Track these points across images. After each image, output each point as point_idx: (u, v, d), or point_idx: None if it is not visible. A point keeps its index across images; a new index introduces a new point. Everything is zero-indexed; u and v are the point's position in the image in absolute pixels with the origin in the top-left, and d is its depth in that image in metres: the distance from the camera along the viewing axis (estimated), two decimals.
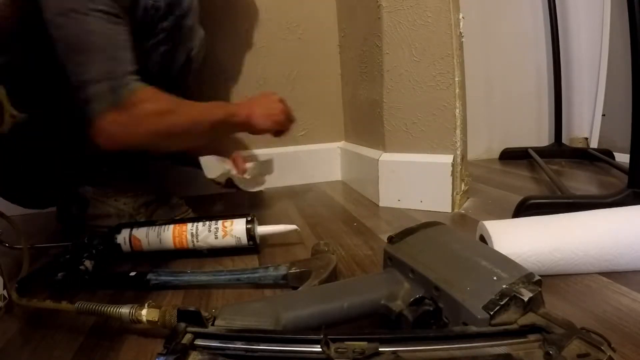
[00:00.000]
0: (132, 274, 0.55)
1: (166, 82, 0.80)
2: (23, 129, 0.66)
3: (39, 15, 0.63)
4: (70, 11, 0.61)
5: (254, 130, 0.82)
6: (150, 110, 0.67)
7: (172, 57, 0.80)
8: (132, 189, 0.80)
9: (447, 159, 0.81)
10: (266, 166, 1.00)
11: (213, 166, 0.82)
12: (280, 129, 0.87)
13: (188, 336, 0.31)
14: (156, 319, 0.39)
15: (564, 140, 1.39)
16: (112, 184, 0.79)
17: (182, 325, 0.32)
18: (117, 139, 0.66)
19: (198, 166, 0.85)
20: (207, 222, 0.64)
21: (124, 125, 0.65)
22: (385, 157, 0.90)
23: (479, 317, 0.30)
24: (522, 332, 0.29)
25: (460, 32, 0.80)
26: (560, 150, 1.35)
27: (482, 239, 0.54)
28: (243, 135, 1.15)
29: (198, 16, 0.81)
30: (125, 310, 0.40)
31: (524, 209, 0.69)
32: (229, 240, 0.63)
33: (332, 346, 0.28)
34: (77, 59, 0.63)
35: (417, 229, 0.43)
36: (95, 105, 0.64)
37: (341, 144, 1.25)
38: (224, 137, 0.87)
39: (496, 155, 1.44)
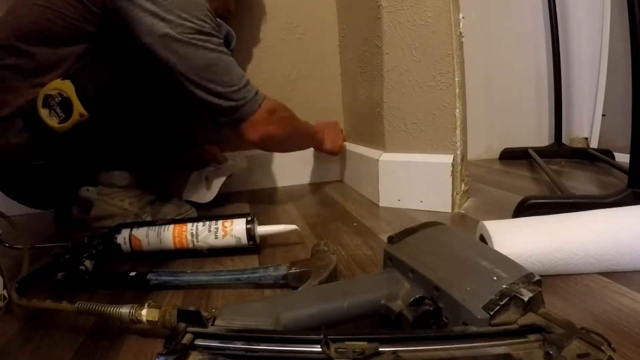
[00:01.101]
0: (132, 274, 0.55)
1: None
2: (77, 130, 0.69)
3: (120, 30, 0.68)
4: (198, 40, 0.69)
5: (321, 149, 1.07)
6: (286, 115, 0.84)
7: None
8: (136, 188, 0.80)
9: (447, 159, 0.81)
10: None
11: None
12: (338, 152, 1.12)
13: (188, 336, 0.31)
14: (156, 319, 0.39)
15: (564, 140, 1.39)
16: (115, 184, 0.79)
17: (182, 325, 0.32)
18: (264, 133, 0.78)
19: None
20: (207, 222, 0.64)
21: (270, 122, 0.78)
22: (385, 157, 0.90)
23: (479, 317, 0.30)
24: (522, 332, 0.29)
25: (460, 32, 0.80)
26: (560, 150, 1.35)
27: (482, 239, 0.54)
28: None
29: None
30: (125, 310, 0.40)
31: (524, 209, 0.69)
32: (229, 240, 0.63)
33: (332, 346, 0.28)
34: (214, 76, 0.71)
35: (417, 229, 0.43)
36: (248, 105, 0.75)
37: None
38: (302, 149, 1.05)
39: (496, 155, 1.44)
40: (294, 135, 0.90)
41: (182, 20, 0.67)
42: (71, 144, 0.72)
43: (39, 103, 0.68)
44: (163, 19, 0.66)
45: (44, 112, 0.69)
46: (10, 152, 0.72)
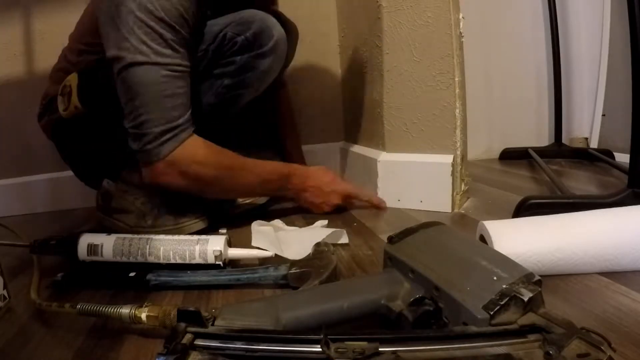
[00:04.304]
0: (132, 274, 0.55)
1: (220, 117, 0.81)
2: (79, 121, 0.74)
3: None
4: (129, 64, 0.65)
5: (299, 203, 0.86)
6: (199, 170, 0.71)
7: (235, 94, 0.79)
8: (149, 189, 0.79)
9: (447, 159, 0.81)
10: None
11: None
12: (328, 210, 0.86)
13: (188, 336, 0.31)
14: (156, 319, 0.39)
15: (564, 140, 1.38)
16: (133, 182, 0.78)
17: (182, 325, 0.32)
18: (163, 184, 0.72)
19: None
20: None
21: (170, 175, 0.70)
22: (385, 157, 0.89)
23: (479, 317, 0.30)
24: (522, 332, 0.29)
25: (460, 32, 0.80)
26: (560, 150, 1.35)
27: (482, 239, 0.54)
28: None
29: (283, 66, 0.82)
30: (125, 310, 0.40)
31: (524, 209, 0.69)
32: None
33: (332, 346, 0.28)
34: (128, 105, 0.68)
35: (417, 229, 0.43)
36: (142, 155, 0.70)
37: (341, 144, 1.24)
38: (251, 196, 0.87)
39: (496, 155, 1.44)
40: (213, 188, 0.76)
41: None
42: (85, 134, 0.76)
43: (59, 91, 0.76)
44: None
45: (59, 99, 0.75)
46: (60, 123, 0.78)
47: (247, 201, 0.86)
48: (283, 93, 1.12)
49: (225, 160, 0.75)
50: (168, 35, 0.66)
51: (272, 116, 1.10)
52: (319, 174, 0.86)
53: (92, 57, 0.74)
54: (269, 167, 0.81)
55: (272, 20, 0.76)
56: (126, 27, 0.64)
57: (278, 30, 0.76)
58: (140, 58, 0.65)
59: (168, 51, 0.66)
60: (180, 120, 0.69)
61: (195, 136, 0.71)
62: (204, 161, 0.72)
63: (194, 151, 0.71)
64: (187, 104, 0.70)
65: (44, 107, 0.84)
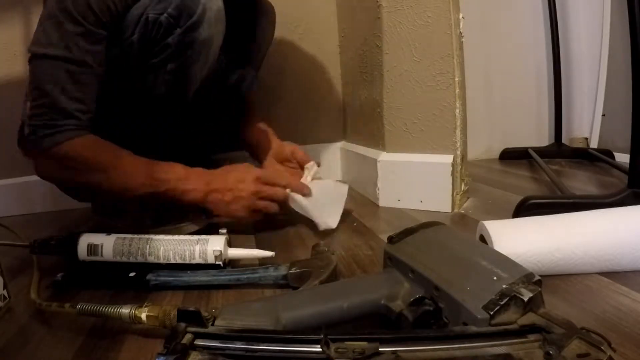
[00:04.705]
0: (132, 274, 0.55)
1: (182, 103, 0.77)
2: None
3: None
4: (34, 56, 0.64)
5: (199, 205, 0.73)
6: (58, 168, 0.68)
7: (185, 75, 0.73)
8: None
9: (447, 159, 0.81)
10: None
11: None
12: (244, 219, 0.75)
13: (188, 336, 0.31)
14: (156, 319, 0.39)
15: (564, 140, 1.38)
16: None
17: (182, 325, 0.32)
18: (40, 174, 0.73)
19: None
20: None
21: (43, 168, 0.72)
22: (385, 157, 0.90)
23: (479, 317, 0.30)
24: (522, 332, 0.29)
25: (460, 32, 0.80)
26: (560, 150, 1.35)
27: (482, 239, 0.54)
28: None
29: (222, 27, 0.72)
30: (125, 310, 0.40)
31: (524, 209, 0.69)
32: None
33: (332, 346, 0.28)
34: (29, 94, 0.66)
35: (417, 229, 0.43)
36: (28, 144, 0.68)
37: (341, 144, 1.24)
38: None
39: (496, 155, 1.44)
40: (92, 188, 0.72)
41: None
42: None
43: None
44: None
45: None
46: None
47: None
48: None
49: (100, 156, 0.68)
50: (69, 26, 0.61)
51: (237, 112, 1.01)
52: (230, 169, 0.74)
53: None
54: (144, 166, 0.69)
55: None
56: (41, 18, 0.63)
57: None
58: (37, 49, 0.63)
59: (62, 44, 0.62)
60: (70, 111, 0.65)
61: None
62: (76, 157, 0.66)
63: (72, 146, 0.65)
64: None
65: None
